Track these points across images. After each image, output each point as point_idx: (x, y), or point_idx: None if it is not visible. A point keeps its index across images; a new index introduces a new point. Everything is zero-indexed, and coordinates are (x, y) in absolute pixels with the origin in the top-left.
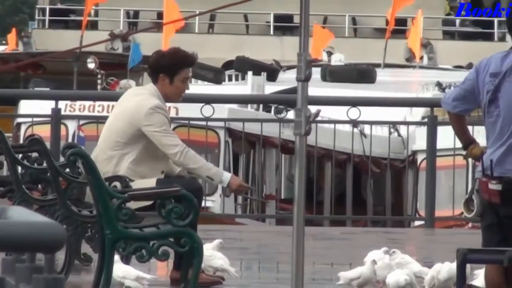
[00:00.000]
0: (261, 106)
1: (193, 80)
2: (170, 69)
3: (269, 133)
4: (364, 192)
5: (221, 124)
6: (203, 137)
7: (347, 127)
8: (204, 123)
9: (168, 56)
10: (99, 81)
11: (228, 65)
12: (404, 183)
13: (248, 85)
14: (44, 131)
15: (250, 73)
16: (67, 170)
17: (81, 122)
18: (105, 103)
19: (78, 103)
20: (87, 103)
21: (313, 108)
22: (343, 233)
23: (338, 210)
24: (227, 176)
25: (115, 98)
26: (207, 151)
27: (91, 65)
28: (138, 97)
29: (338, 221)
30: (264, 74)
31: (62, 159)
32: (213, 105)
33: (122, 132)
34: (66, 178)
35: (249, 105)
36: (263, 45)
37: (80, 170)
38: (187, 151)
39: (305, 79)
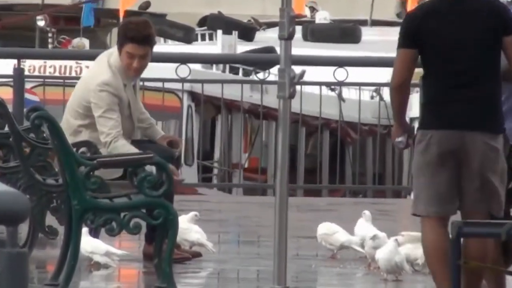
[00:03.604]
0: (227, 67)
1: (162, 40)
2: (118, 39)
3: (235, 97)
4: (345, 161)
5: (182, 86)
6: (163, 101)
7: (324, 91)
8: (168, 86)
9: (120, 25)
10: (49, 40)
11: (204, 21)
12: (388, 151)
13: (218, 45)
14: None
15: (220, 32)
16: (31, 135)
17: (31, 85)
18: (58, 63)
19: (27, 63)
20: (37, 63)
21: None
22: (329, 204)
23: (315, 180)
24: None
25: (79, 57)
26: (168, 116)
27: (41, 23)
28: (96, 67)
29: (314, 191)
30: (235, 33)
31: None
32: (173, 65)
33: (79, 102)
34: (29, 143)
35: (214, 66)
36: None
37: (45, 135)
38: (114, 142)
39: (288, 37)
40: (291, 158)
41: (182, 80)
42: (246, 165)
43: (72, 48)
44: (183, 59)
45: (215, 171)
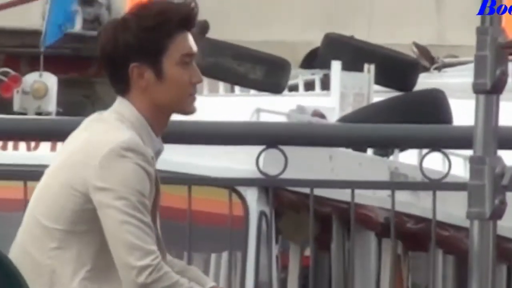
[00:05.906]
0: None
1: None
2: (152, 44)
3: (366, 198)
4: None
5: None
6: (210, 206)
7: None
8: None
9: (136, 19)
10: None
11: (313, 58)
12: None
13: (332, 96)
14: None
15: (335, 65)
16: None
17: None
18: None
19: None
20: None
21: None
22: None
23: None
24: None
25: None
26: (215, 239)
27: None
28: (93, 129)
29: None
30: (370, 68)
31: None
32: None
33: (58, 210)
34: None
35: None
36: (396, 9)
37: None
38: (160, 270)
39: (492, 88)
40: None
41: (271, 182)
42: None
43: (22, 95)
44: (272, 136)
45: None
